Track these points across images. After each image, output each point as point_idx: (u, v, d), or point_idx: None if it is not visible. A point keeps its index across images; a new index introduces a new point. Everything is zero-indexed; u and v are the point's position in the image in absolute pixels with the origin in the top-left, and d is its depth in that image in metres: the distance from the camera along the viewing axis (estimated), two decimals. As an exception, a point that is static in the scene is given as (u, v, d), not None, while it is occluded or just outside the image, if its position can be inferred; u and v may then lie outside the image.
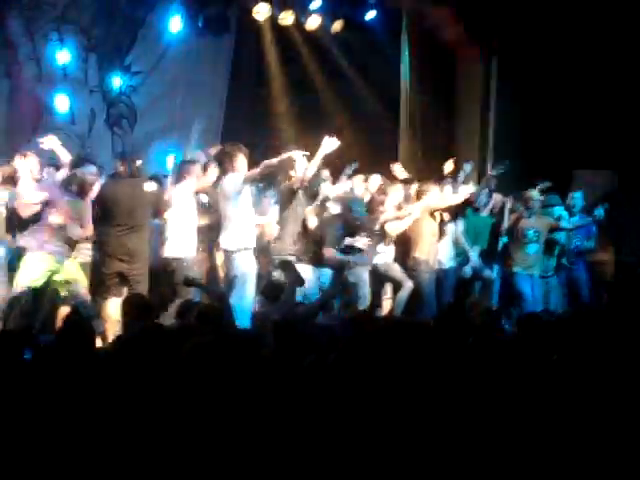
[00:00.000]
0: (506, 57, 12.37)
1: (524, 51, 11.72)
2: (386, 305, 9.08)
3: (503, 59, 12.51)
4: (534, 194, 9.63)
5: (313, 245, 8.47)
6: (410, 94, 12.86)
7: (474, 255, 9.51)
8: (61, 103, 11.18)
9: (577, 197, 10.07)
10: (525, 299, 9.22)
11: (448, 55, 12.63)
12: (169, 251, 8.06)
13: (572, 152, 11.19)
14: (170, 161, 11.30)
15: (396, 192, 9.24)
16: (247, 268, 7.95)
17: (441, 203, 9.26)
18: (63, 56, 11.18)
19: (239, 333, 5.25)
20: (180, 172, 8.30)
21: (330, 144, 8.11)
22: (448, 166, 10.08)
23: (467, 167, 9.91)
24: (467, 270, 9.49)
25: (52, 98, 11.16)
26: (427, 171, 10.62)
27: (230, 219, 8.02)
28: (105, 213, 7.87)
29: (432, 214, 9.23)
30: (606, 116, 11.07)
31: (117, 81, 11.66)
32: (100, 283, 7.83)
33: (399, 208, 9.14)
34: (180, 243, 8.07)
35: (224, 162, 8.19)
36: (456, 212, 9.48)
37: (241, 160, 8.10)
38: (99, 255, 7.92)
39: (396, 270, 9.00)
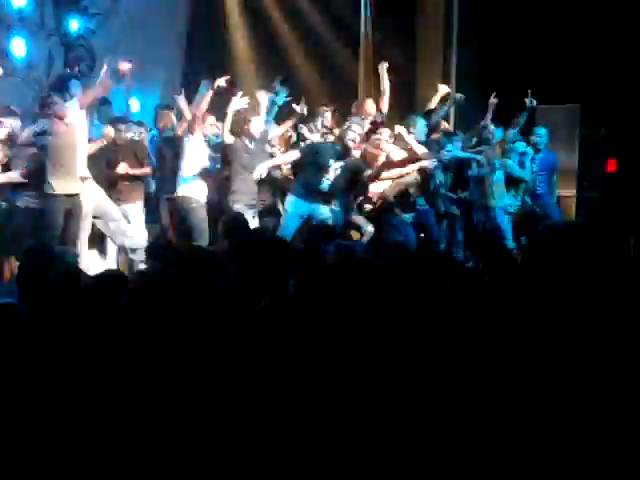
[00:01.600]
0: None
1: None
2: None
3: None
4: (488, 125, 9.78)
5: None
6: (370, 30, 12.80)
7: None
8: (17, 47, 10.98)
9: (541, 134, 10.09)
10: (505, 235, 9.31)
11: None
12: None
13: (536, 88, 11.21)
14: (132, 104, 11.21)
15: (391, 146, 9.29)
16: None
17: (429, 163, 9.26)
18: (18, -1, 10.96)
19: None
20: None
21: (238, 103, 8.68)
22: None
23: (457, 96, 9.91)
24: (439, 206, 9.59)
25: (8, 42, 10.95)
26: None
27: None
28: None
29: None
30: (568, 51, 11.07)
31: (74, 24, 11.43)
32: None
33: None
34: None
35: None
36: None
37: None
38: None
39: (357, 217, 9.09)
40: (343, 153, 8.63)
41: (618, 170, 10.59)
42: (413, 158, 9.09)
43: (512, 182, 9.80)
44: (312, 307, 3.64)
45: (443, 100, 10.07)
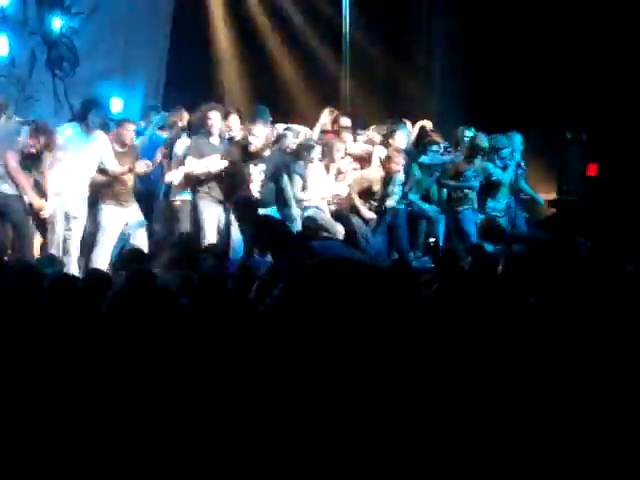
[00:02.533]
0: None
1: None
2: None
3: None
4: (464, 132, 9.79)
5: None
6: (351, 30, 12.80)
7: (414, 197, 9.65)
8: (0, 45, 10.93)
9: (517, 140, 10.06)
10: (471, 237, 9.27)
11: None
12: None
13: (518, 91, 11.25)
14: (115, 104, 11.18)
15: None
16: None
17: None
18: (1, -2, 10.91)
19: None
20: None
21: None
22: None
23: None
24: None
25: (-9, 40, 10.90)
26: (369, 109, 10.61)
27: None
28: None
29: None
30: (553, 52, 11.11)
31: (57, 22, 11.37)
32: None
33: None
34: None
35: None
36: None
37: None
38: None
39: (326, 218, 9.15)
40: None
41: (599, 175, 10.67)
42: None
43: (493, 186, 9.83)
44: (299, 307, 3.67)
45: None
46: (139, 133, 9.54)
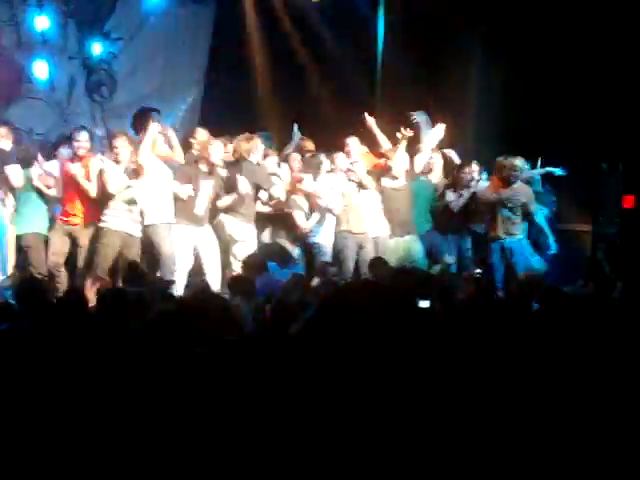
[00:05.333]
0: (491, 26, 12.30)
1: (510, 21, 11.64)
2: None
3: (488, 28, 12.44)
4: (519, 163, 9.46)
5: None
6: (387, 62, 12.82)
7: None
8: (40, 70, 11.09)
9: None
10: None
11: (428, 23, 12.55)
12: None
13: (553, 121, 11.17)
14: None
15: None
16: None
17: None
18: (42, 22, 11.06)
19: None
20: None
21: None
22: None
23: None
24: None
25: (31, 65, 11.06)
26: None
27: None
28: None
29: None
30: (590, 90, 11.05)
31: (97, 48, 11.54)
32: None
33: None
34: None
35: None
36: None
37: None
38: None
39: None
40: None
41: (636, 206, 10.53)
42: None
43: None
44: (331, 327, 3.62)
45: None
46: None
